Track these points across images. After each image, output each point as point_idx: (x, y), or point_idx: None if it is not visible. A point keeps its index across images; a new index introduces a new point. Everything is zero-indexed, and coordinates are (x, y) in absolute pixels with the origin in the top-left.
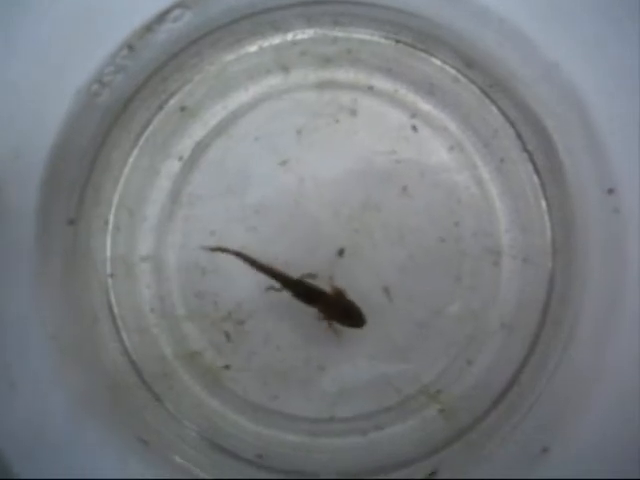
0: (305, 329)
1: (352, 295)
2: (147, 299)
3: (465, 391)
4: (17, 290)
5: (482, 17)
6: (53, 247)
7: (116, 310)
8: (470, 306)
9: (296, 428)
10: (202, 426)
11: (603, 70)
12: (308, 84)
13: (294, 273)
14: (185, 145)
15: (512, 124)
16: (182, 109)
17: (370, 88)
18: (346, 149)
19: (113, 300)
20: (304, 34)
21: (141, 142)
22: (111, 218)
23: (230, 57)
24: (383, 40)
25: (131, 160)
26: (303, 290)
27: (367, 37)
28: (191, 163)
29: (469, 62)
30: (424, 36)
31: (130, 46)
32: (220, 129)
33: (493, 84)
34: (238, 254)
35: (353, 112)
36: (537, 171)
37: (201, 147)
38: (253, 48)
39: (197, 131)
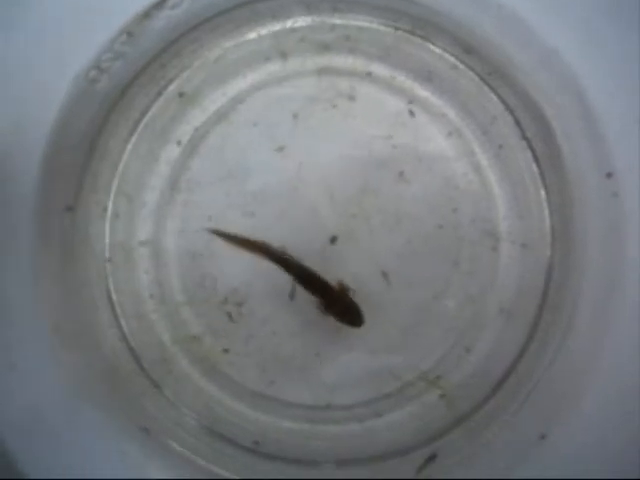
0: (303, 315)
1: (349, 281)
2: (146, 285)
3: (464, 378)
4: (16, 274)
5: (481, 3)
6: (52, 233)
7: (115, 296)
8: (468, 292)
9: (293, 415)
10: (200, 413)
11: (602, 56)
12: (307, 71)
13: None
14: (184, 131)
15: (511, 111)
16: (181, 95)
17: (368, 74)
18: (344, 134)
19: (112, 286)
20: (303, 21)
21: (140, 128)
22: (110, 204)
23: (229, 44)
24: (382, 27)
25: (129, 146)
26: (307, 277)
27: (366, 24)
28: (190, 149)
29: (468, 49)
30: (423, 23)
31: (129, 32)
32: (219, 115)
33: (492, 71)
34: (245, 241)
35: (351, 98)
36: (536, 157)
37: (200, 133)
38: (252, 35)
39: (196, 117)
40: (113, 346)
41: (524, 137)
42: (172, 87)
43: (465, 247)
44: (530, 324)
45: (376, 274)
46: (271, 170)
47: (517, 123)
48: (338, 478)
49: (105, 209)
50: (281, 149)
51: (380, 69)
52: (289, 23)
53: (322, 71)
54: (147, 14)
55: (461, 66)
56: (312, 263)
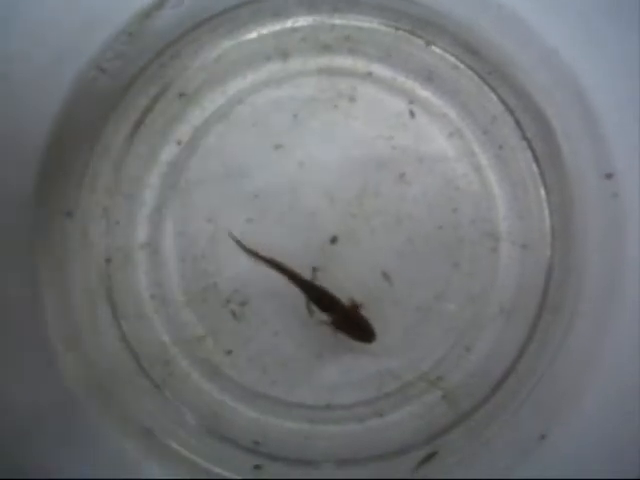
0: (304, 316)
1: (350, 281)
2: (146, 285)
3: (464, 378)
4: (16, 275)
5: (481, 3)
6: (51, 234)
7: (115, 296)
8: (469, 292)
9: (294, 415)
10: (200, 413)
11: (602, 56)
12: (307, 71)
13: (292, 259)
14: (184, 131)
15: (511, 111)
16: (181, 95)
17: (369, 75)
18: (344, 135)
19: (112, 286)
20: (304, 21)
21: (140, 128)
22: (109, 205)
23: (229, 44)
24: (382, 27)
25: (129, 146)
26: (320, 296)
27: (366, 24)
28: (189, 149)
29: (468, 49)
30: (423, 23)
31: (129, 32)
32: (219, 115)
33: (492, 71)
34: (270, 261)
35: (352, 98)
36: (536, 158)
37: (200, 133)
38: (252, 35)
39: (196, 117)
40: (114, 347)
41: (524, 137)
42: (172, 87)
43: (465, 247)
44: (530, 324)
45: (376, 274)
46: (271, 170)
47: (517, 123)
48: (338, 478)
49: (105, 209)
50: (281, 149)
51: (381, 69)
52: (289, 23)
53: (322, 71)
54: (147, 14)
55: (461, 66)
56: (312, 263)
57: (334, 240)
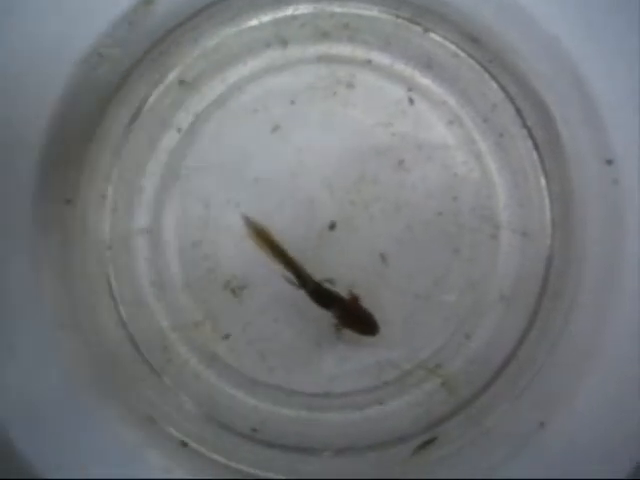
0: (302, 303)
1: (348, 268)
2: (145, 272)
3: (464, 366)
4: (16, 261)
5: None
6: (51, 220)
7: (114, 283)
8: (469, 279)
9: (293, 402)
10: (199, 399)
11: (602, 44)
12: (307, 58)
13: (290, 245)
14: (183, 118)
15: (511, 99)
16: (181, 82)
17: (368, 62)
18: (343, 122)
19: (111, 273)
20: (304, 8)
21: (140, 115)
22: (109, 191)
23: (229, 31)
24: (382, 15)
25: (129, 133)
26: (321, 293)
27: (366, 12)
28: (189, 136)
29: (468, 37)
30: (423, 11)
31: (129, 20)
32: (219, 102)
33: (492, 59)
34: (273, 245)
35: (351, 86)
36: (536, 145)
37: (199, 120)
38: (253, 22)
39: (195, 104)
40: (113, 333)
41: (525, 125)
42: (172, 74)
43: (465, 235)
44: (530, 312)
45: (375, 261)
46: (270, 157)
47: (518, 111)
48: (337, 466)
49: (104, 196)
50: (280, 136)
51: (380, 57)
52: (290, 10)
53: (322, 59)
54: (148, 1)
55: (462, 54)
56: (310, 249)
57: (333, 226)
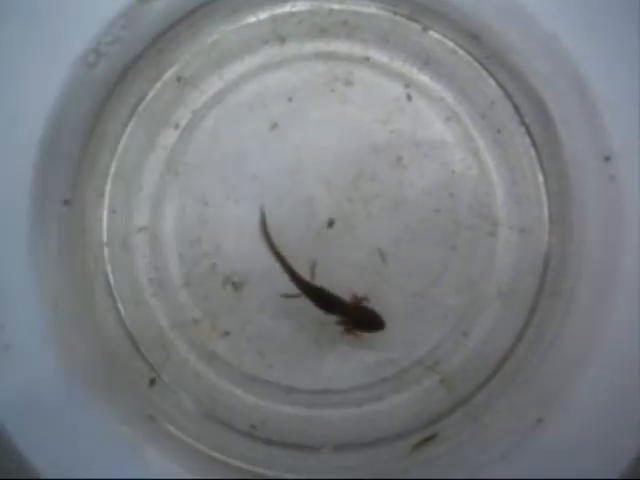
0: (301, 300)
1: (346, 265)
2: (144, 270)
3: (462, 363)
4: (14, 259)
5: None
6: (50, 218)
7: (112, 280)
8: (467, 276)
9: (291, 399)
10: (198, 396)
11: (600, 41)
12: (304, 55)
13: (289, 242)
14: (181, 115)
15: (509, 96)
16: (179, 79)
17: (366, 59)
18: (341, 119)
19: (109, 271)
20: (302, 5)
21: (138, 112)
22: (107, 189)
23: (227, 27)
24: (380, 12)
25: (127, 130)
26: (323, 298)
27: (364, 9)
28: (187, 133)
29: (467, 34)
30: (421, 8)
31: (127, 16)
32: (216, 99)
33: (490, 56)
34: (276, 252)
35: (349, 82)
36: (534, 143)
37: (197, 117)
38: (250, 19)
39: (193, 101)
40: (111, 331)
41: (522, 122)
42: (170, 71)
43: (463, 232)
44: (528, 309)
45: (373, 259)
46: (268, 154)
47: (515, 108)
48: (336, 462)
49: (102, 194)
50: (278, 133)
51: (378, 54)
52: (288, 7)
53: (320, 55)
54: None
55: (460, 51)
56: (308, 246)
57: (331, 224)
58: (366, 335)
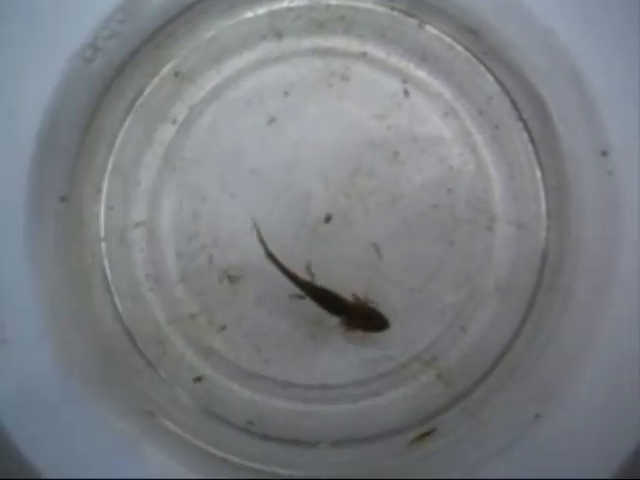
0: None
1: (343, 261)
2: (141, 265)
3: (460, 358)
4: (11, 254)
5: None
6: (47, 213)
7: (109, 276)
8: (464, 271)
9: (288, 394)
10: (195, 392)
11: (598, 36)
12: (302, 50)
13: (286, 238)
14: (179, 110)
15: (507, 91)
16: (176, 74)
17: (363, 54)
18: (338, 114)
19: (107, 266)
20: (300, 1)
21: (135, 107)
22: (104, 185)
23: (225, 23)
24: (378, 7)
25: (125, 125)
26: (327, 299)
27: (362, 4)
28: (185, 128)
29: (465, 30)
30: (419, 3)
31: (125, 11)
32: (214, 94)
33: (488, 51)
34: (273, 258)
35: (346, 78)
36: (531, 138)
37: (195, 112)
38: (248, 14)
39: (191, 96)
40: (108, 326)
41: (520, 118)
42: (168, 66)
43: (460, 227)
44: (526, 304)
45: (370, 254)
46: (265, 149)
47: (513, 104)
48: (333, 458)
49: (99, 189)
50: (276, 128)
51: (375, 49)
52: (286, 2)
53: (317, 51)
54: None
55: (457, 47)
56: (305, 241)
57: (328, 219)
58: (367, 334)
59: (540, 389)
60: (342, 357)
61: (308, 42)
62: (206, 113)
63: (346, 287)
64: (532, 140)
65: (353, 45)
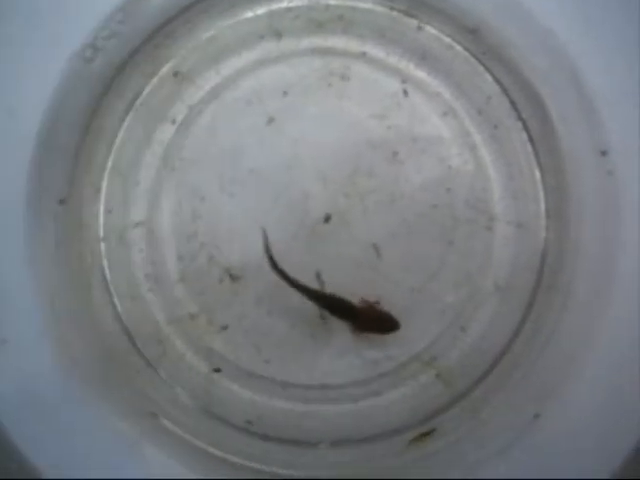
0: (298, 296)
1: (343, 260)
2: (140, 265)
3: (459, 358)
4: (11, 254)
5: None
6: (46, 214)
7: (109, 276)
8: (463, 270)
9: (288, 394)
10: (195, 392)
11: (597, 36)
12: (301, 50)
13: (285, 238)
14: (178, 110)
15: (506, 91)
16: (175, 74)
17: (363, 54)
18: (338, 114)
19: (106, 266)
20: (299, 0)
21: (135, 107)
22: (104, 185)
23: (224, 23)
24: (377, 7)
25: (124, 125)
26: (337, 306)
27: (361, 4)
28: (184, 128)
29: (463, 29)
30: (418, 3)
31: (124, 11)
32: (213, 94)
33: (487, 51)
34: (280, 271)
35: (345, 78)
36: (531, 138)
37: (194, 112)
38: (247, 14)
39: (190, 96)
40: (108, 326)
41: (519, 118)
42: (167, 66)
43: (460, 227)
44: (525, 304)
45: (370, 254)
46: (265, 149)
47: (512, 104)
48: (333, 458)
49: (99, 189)
50: (275, 128)
51: (374, 49)
52: (285, 2)
53: (316, 51)
54: None
55: (457, 46)
56: (304, 241)
57: (327, 219)
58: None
59: (540, 389)
60: (342, 357)
61: (307, 42)
62: (205, 113)
63: (346, 287)
64: (531, 140)
65: (352, 45)
